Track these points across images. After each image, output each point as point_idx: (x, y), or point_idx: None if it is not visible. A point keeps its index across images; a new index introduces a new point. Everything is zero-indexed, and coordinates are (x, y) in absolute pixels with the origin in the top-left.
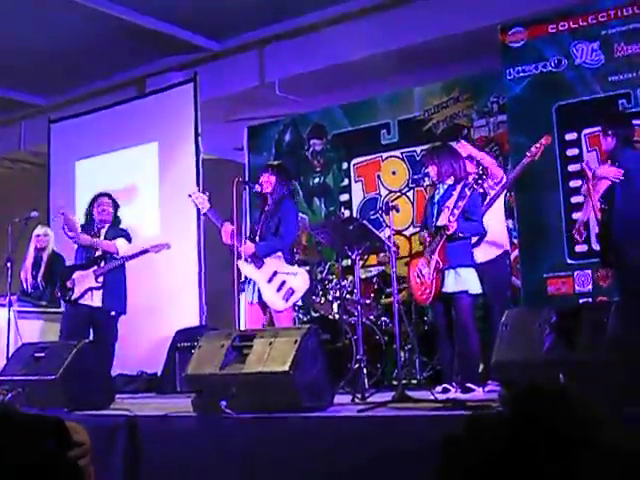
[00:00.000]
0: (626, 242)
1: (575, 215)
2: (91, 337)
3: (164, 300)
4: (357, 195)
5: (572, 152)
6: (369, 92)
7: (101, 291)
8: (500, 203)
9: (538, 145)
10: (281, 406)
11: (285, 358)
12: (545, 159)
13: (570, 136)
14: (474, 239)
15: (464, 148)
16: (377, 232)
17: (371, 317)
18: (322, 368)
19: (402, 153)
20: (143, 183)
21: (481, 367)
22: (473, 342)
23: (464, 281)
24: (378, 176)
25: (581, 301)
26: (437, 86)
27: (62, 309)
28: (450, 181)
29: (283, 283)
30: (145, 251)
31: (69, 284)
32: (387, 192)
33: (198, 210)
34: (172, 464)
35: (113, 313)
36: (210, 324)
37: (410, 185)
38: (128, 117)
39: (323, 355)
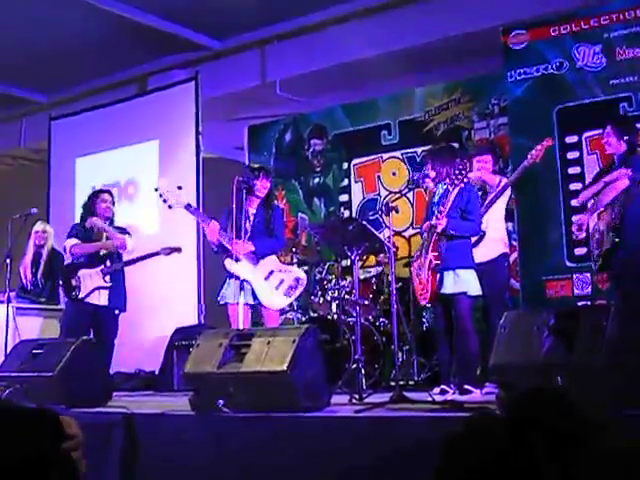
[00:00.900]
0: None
1: (575, 218)
2: (92, 335)
3: (162, 299)
4: (357, 195)
5: (572, 155)
6: (370, 92)
7: (107, 290)
8: (502, 204)
9: (539, 147)
10: (278, 405)
11: (283, 358)
12: (545, 162)
13: (571, 139)
14: (473, 239)
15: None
16: (376, 233)
17: (370, 318)
18: (320, 368)
19: (402, 154)
20: (143, 181)
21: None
22: (472, 344)
23: (463, 282)
24: (378, 177)
25: (580, 304)
26: (438, 87)
27: (61, 306)
28: (448, 181)
29: (282, 281)
30: (156, 253)
31: (74, 282)
32: (387, 193)
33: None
34: (169, 462)
35: (117, 311)
36: (208, 323)
37: (410, 186)
38: (129, 115)
39: (321, 355)
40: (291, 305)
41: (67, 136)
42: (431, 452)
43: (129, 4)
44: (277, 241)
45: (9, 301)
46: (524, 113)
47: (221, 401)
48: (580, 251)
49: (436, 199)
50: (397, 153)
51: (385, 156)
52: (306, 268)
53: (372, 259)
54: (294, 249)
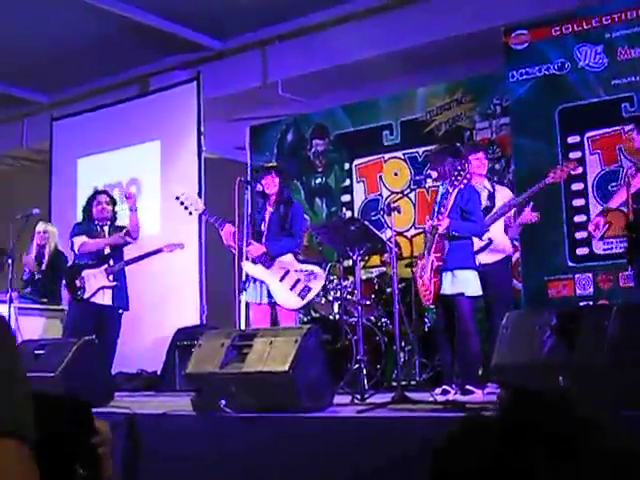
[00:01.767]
0: None
1: (577, 218)
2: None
3: (164, 299)
4: (359, 196)
5: (575, 155)
6: (372, 93)
7: (111, 289)
8: None
9: (565, 169)
10: (280, 406)
11: (285, 358)
12: (547, 162)
13: (573, 139)
14: (480, 244)
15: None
16: (378, 233)
17: (371, 318)
18: (322, 368)
19: (404, 154)
20: (145, 181)
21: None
22: (473, 344)
23: (461, 283)
24: (380, 177)
25: (582, 304)
26: (440, 87)
27: (64, 306)
28: (447, 182)
29: (298, 281)
30: (159, 250)
31: (78, 282)
32: (389, 193)
33: (199, 216)
34: (171, 462)
35: (121, 311)
36: (210, 323)
37: (412, 186)
38: (131, 115)
39: (323, 355)
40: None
41: (69, 137)
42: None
43: (131, 4)
44: (292, 239)
45: (11, 301)
46: (526, 113)
47: (223, 401)
48: (582, 251)
49: (438, 199)
50: (399, 153)
51: (387, 156)
52: (324, 268)
53: (374, 259)
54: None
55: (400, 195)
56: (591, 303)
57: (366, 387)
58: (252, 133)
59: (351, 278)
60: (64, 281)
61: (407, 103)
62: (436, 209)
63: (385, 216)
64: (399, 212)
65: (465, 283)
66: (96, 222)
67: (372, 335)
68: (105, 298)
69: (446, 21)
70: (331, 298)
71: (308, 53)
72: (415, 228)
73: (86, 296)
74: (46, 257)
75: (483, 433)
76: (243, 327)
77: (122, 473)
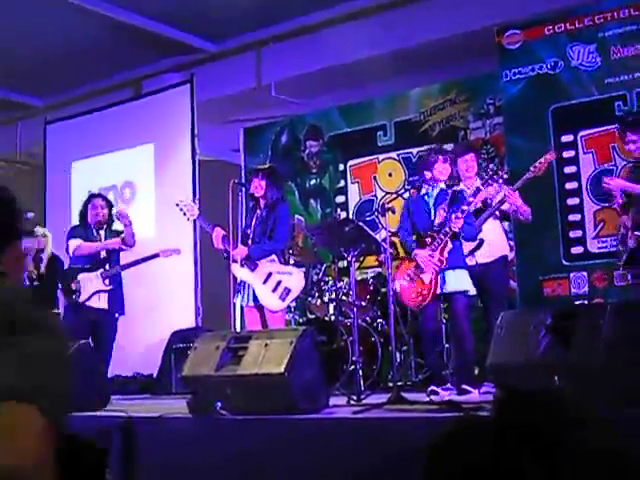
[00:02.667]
0: None
1: (571, 217)
2: (90, 339)
3: (160, 302)
4: (353, 197)
5: (568, 154)
6: (365, 94)
7: (107, 293)
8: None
9: (542, 161)
10: (276, 408)
11: (280, 360)
12: None
13: (566, 138)
14: (472, 245)
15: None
16: (373, 234)
17: (367, 319)
18: (317, 370)
19: (398, 155)
20: (139, 184)
21: (477, 369)
22: (469, 343)
23: (463, 281)
24: (374, 178)
25: (577, 303)
26: (433, 88)
27: (60, 310)
28: (443, 184)
29: (279, 283)
30: (156, 255)
31: (74, 286)
32: (383, 194)
33: (194, 222)
34: (167, 465)
35: (117, 315)
36: (206, 326)
37: (406, 187)
38: (124, 118)
39: (318, 357)
40: (289, 307)
41: (63, 140)
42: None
43: (124, 7)
44: (274, 242)
45: None
46: (519, 113)
47: (219, 404)
48: (577, 250)
49: (432, 201)
50: (393, 154)
51: (381, 157)
52: (303, 270)
53: (369, 260)
54: (291, 251)
55: (394, 195)
56: (586, 302)
57: (362, 388)
58: (246, 135)
59: (346, 279)
60: (59, 284)
61: (401, 104)
62: (431, 211)
63: (379, 217)
64: (393, 212)
65: (466, 281)
66: (92, 226)
67: (368, 336)
68: (101, 302)
69: (439, 21)
70: (326, 299)
71: (302, 54)
72: None
73: (81, 300)
74: (44, 261)
75: (476, 433)
76: (238, 329)
77: (119, 476)
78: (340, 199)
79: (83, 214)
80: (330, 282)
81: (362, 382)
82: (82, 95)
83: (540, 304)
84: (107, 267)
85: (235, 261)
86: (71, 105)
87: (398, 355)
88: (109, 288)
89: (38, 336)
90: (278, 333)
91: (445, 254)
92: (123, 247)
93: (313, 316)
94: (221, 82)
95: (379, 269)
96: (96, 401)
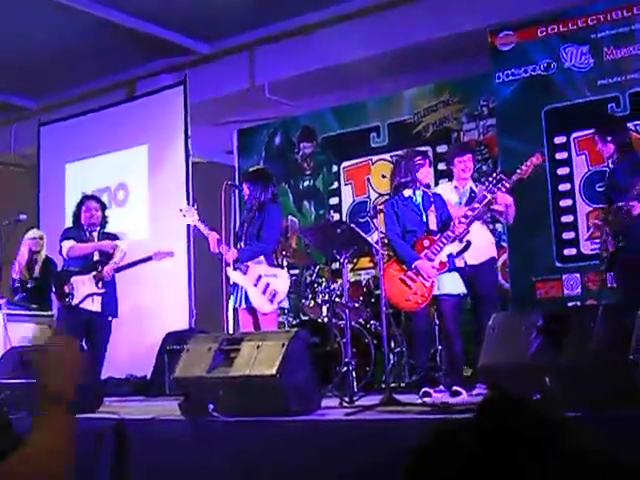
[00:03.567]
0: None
1: (564, 219)
2: (84, 341)
3: (154, 303)
4: (347, 198)
5: (561, 155)
6: (359, 95)
7: (101, 296)
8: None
9: (528, 163)
10: (268, 409)
11: (272, 361)
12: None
13: (559, 139)
14: (459, 247)
15: None
16: (365, 235)
17: (360, 320)
18: (310, 372)
19: (392, 156)
20: (133, 186)
21: (470, 371)
22: (458, 344)
23: (457, 284)
24: (368, 179)
25: (570, 304)
26: (427, 89)
27: (53, 312)
28: (424, 188)
29: (267, 285)
30: (149, 258)
31: (67, 289)
32: (377, 195)
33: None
34: (160, 467)
35: (110, 318)
36: (199, 327)
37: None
38: (118, 120)
39: (311, 359)
40: (282, 308)
41: (56, 142)
42: None
43: (117, 9)
44: (262, 245)
45: (0, 308)
46: (512, 114)
47: (211, 405)
48: (570, 251)
49: (420, 203)
50: (386, 155)
51: (374, 158)
52: (296, 271)
53: (363, 262)
54: (284, 252)
55: (387, 197)
56: (579, 303)
57: (356, 389)
58: (240, 136)
59: (340, 281)
60: (53, 286)
61: (394, 105)
62: (422, 213)
63: (372, 218)
64: None
65: (460, 284)
66: (85, 228)
67: (361, 337)
68: (94, 305)
69: (432, 23)
70: (320, 301)
71: (295, 56)
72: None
73: (75, 302)
74: (39, 263)
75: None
76: (231, 331)
77: (111, 478)
78: (334, 201)
79: (76, 216)
80: (323, 284)
81: (356, 384)
82: (75, 97)
83: (533, 305)
84: (100, 269)
85: (228, 264)
86: (65, 107)
87: (392, 356)
88: (102, 291)
89: None
90: (270, 335)
91: (446, 257)
92: (113, 259)
93: (306, 318)
94: (214, 83)
95: (373, 271)
96: (88, 403)
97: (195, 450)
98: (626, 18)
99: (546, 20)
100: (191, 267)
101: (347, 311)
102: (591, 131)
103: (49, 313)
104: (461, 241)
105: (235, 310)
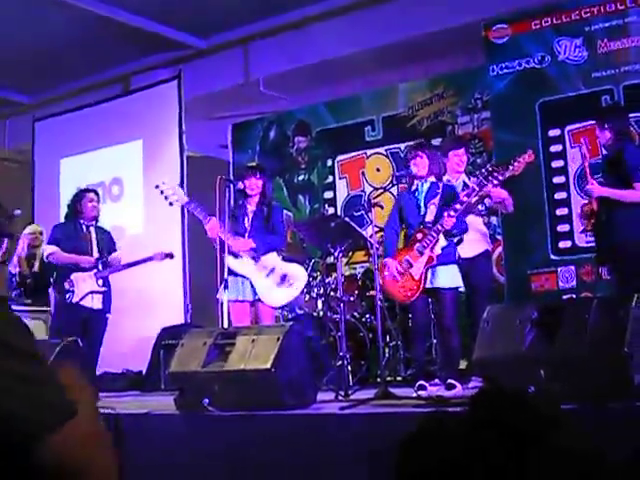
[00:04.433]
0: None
1: (559, 211)
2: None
3: (149, 298)
4: (341, 192)
5: (555, 148)
6: (353, 89)
7: (101, 294)
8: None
9: (521, 160)
10: (263, 403)
11: (267, 356)
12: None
13: (553, 132)
14: (454, 240)
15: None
16: (359, 229)
17: (355, 314)
18: (305, 366)
19: (386, 150)
20: (128, 181)
21: (465, 364)
22: (455, 338)
23: (455, 278)
24: (362, 173)
25: (565, 297)
26: (421, 83)
27: (49, 308)
28: (432, 179)
29: (284, 276)
30: (149, 259)
31: (67, 285)
32: (371, 189)
33: (182, 207)
34: (155, 462)
35: (108, 315)
36: (195, 322)
37: (394, 182)
38: (113, 115)
39: (306, 353)
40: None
41: (51, 137)
42: None
43: (112, 4)
44: (278, 238)
45: None
46: (506, 107)
47: (206, 400)
48: (564, 244)
49: (421, 196)
50: (381, 149)
51: (369, 152)
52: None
53: (358, 255)
54: None
55: (381, 191)
56: (574, 296)
57: (352, 383)
58: (234, 131)
59: (335, 274)
60: (52, 282)
61: (389, 99)
62: (421, 206)
63: (366, 212)
64: (382, 208)
65: (457, 278)
66: (82, 221)
67: (356, 331)
68: (95, 302)
69: (426, 16)
70: (315, 295)
71: (290, 50)
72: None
73: (75, 300)
74: (38, 258)
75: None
76: (226, 325)
77: None
78: (328, 195)
79: (73, 209)
80: (318, 278)
81: (351, 377)
82: (70, 92)
83: (528, 298)
84: (100, 267)
85: (232, 253)
86: (59, 102)
87: (387, 350)
88: (103, 289)
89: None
90: (265, 329)
91: (436, 251)
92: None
93: (302, 312)
94: (209, 78)
95: (368, 264)
96: None
97: (190, 445)
98: (620, 11)
99: (540, 13)
100: (186, 262)
101: (342, 305)
102: (585, 124)
103: (46, 308)
104: (454, 236)
105: (229, 303)
